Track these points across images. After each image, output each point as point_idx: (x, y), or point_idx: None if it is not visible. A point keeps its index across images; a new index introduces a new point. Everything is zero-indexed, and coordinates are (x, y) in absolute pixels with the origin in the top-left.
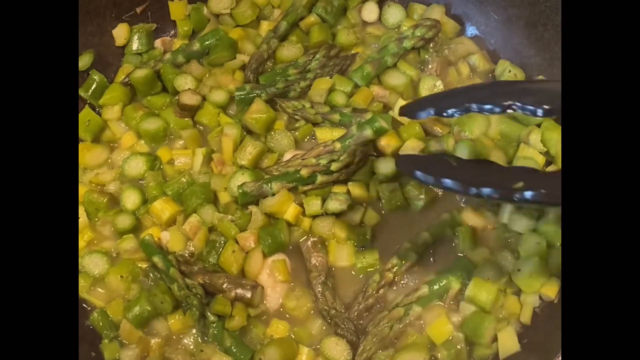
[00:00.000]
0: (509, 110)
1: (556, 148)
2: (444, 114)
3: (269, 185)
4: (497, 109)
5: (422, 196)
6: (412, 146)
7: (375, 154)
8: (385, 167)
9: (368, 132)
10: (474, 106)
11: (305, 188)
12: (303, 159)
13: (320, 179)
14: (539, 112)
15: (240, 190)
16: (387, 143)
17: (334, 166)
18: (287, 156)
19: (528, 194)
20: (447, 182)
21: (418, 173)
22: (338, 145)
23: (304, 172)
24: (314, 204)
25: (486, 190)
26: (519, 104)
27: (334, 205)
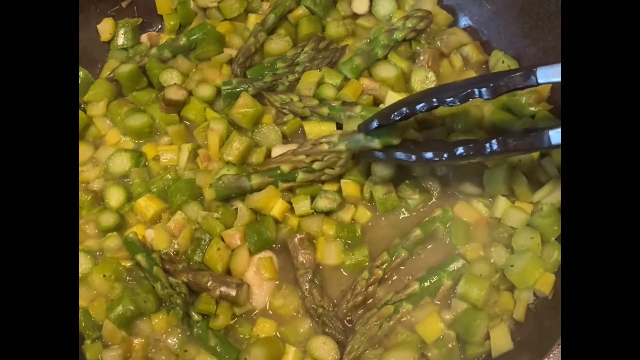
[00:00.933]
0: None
1: None
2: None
3: (248, 178)
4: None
5: (416, 196)
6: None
7: None
8: (382, 170)
9: (375, 144)
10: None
11: (285, 185)
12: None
13: (301, 176)
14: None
15: (217, 183)
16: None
17: (316, 165)
18: (277, 152)
19: (459, 150)
20: (398, 154)
21: (377, 153)
22: (342, 147)
23: (285, 167)
24: (303, 205)
25: (428, 155)
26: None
27: (323, 203)
